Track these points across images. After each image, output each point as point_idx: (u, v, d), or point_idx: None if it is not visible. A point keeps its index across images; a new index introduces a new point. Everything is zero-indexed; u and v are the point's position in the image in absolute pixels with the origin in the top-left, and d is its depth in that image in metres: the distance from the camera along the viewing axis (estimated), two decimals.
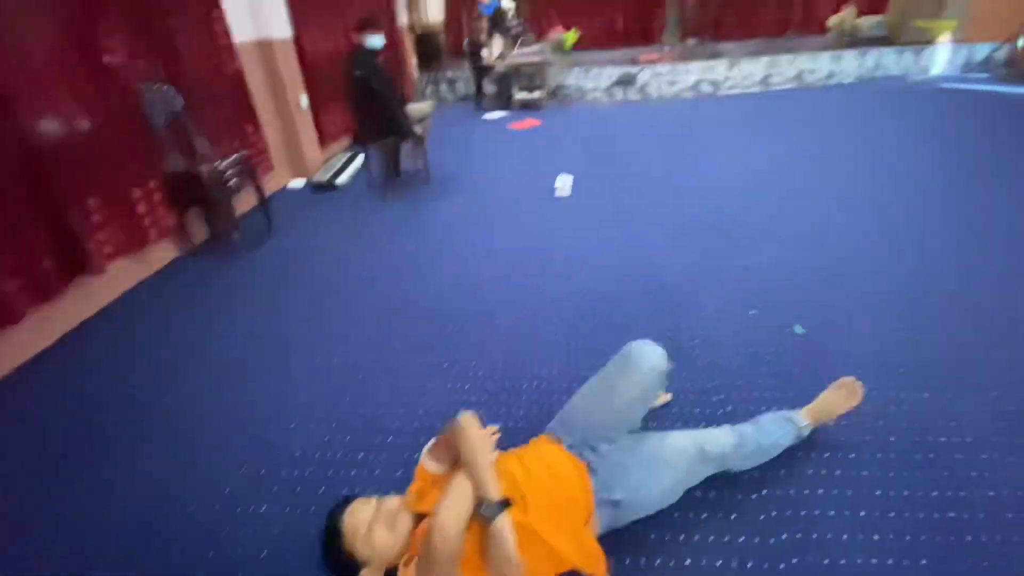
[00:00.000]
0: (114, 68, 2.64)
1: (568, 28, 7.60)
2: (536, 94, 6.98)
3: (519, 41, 8.67)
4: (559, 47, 7.47)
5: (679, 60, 7.28)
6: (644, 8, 10.09)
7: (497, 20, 8.33)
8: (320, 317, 2.42)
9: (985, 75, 6.96)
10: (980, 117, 5.05)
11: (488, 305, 2.38)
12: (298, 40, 4.46)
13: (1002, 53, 7.03)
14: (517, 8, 9.57)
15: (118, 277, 2.73)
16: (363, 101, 3.61)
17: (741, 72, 6.94)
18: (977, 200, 3.11)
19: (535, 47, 7.05)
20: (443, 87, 7.98)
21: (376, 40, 3.52)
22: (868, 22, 7.27)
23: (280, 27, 4.09)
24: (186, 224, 3.16)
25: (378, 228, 3.39)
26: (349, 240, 3.26)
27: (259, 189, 3.32)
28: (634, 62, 7.62)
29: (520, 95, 7.09)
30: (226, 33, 3.47)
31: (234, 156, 3.12)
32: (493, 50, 8.46)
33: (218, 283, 2.84)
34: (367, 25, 3.51)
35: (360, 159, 4.73)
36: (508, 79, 6.99)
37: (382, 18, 3.64)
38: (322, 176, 4.27)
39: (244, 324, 2.41)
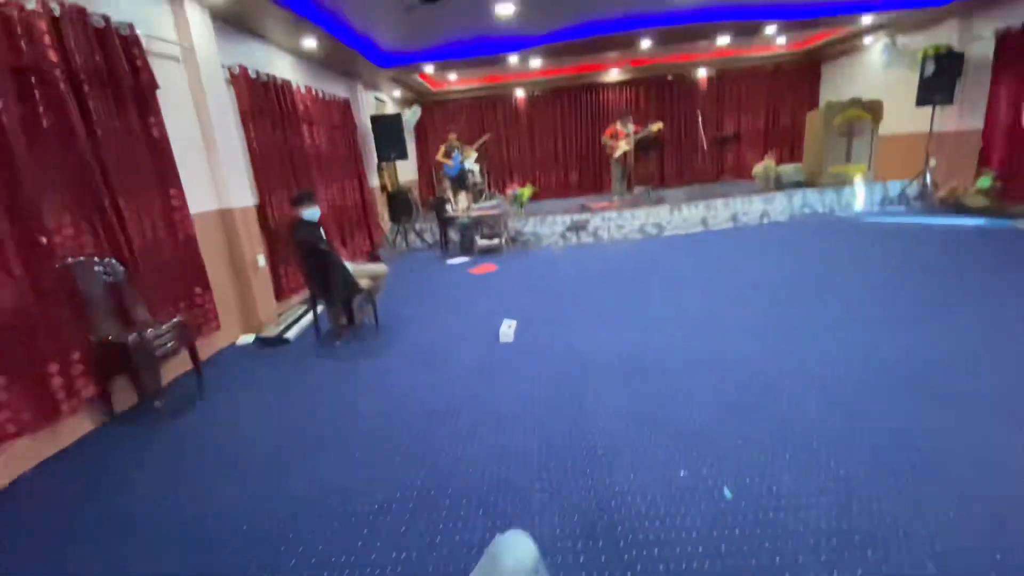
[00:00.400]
0: (51, 245, 2.74)
1: (524, 184, 8.38)
2: (496, 241, 7.43)
3: (482, 196, 9.47)
4: (517, 200, 8.15)
5: (626, 207, 7.95)
6: (593, 163, 11.34)
7: (462, 179, 9.24)
8: (228, 497, 2.21)
9: (902, 208, 7.71)
10: (903, 245, 5.45)
11: (404, 479, 2.22)
12: (261, 206, 4.80)
13: (913, 188, 7.89)
14: (481, 168, 10.67)
15: (19, 456, 2.52)
16: (309, 262, 3.78)
17: (682, 215, 7.56)
18: (919, 329, 3.20)
19: (494, 201, 7.67)
20: (412, 236, 8.46)
21: (312, 212, 3.79)
22: (788, 169, 8.19)
23: (241, 198, 4.40)
24: (109, 393, 3.04)
25: (313, 387, 3.29)
26: (280, 403, 3.14)
27: (193, 353, 3.28)
28: (585, 209, 8.31)
29: (482, 242, 7.53)
30: (183, 207, 3.70)
31: (169, 322, 3.12)
32: (458, 204, 9.22)
33: (131, 458, 2.63)
34: (301, 201, 3.79)
35: (312, 313, 4.78)
36: (470, 228, 7.48)
37: (315, 192, 4.01)
38: (272, 331, 4.27)
39: (151, 509, 2.18)
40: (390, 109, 9.90)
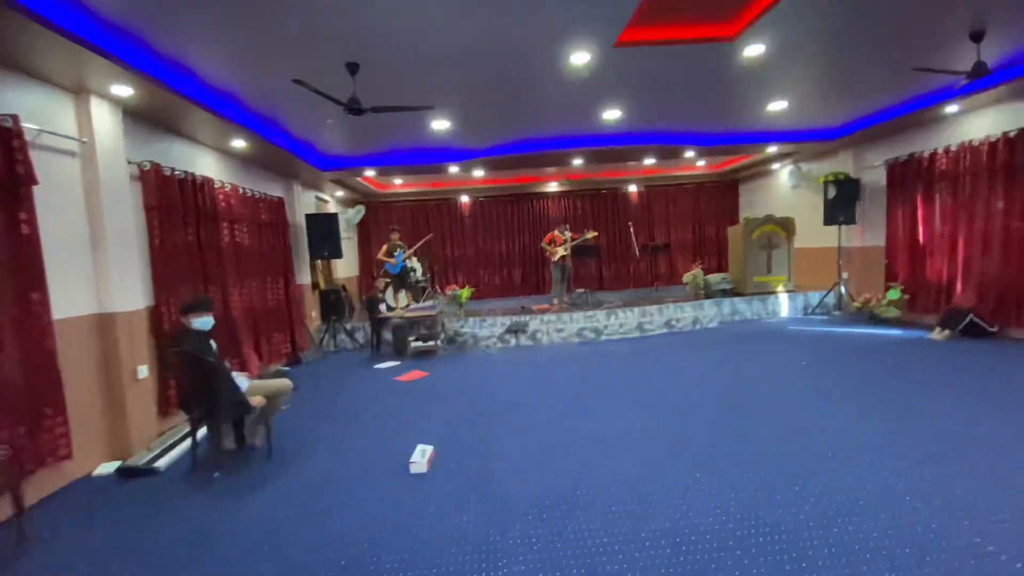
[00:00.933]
0: None
1: (463, 285, 8.30)
2: (431, 343, 7.10)
3: (424, 293, 9.30)
4: (456, 301, 7.98)
5: (565, 310, 7.94)
6: (535, 265, 11.56)
7: (403, 277, 9.06)
8: None
9: (823, 316, 8.09)
10: (828, 355, 5.54)
11: None
12: (156, 308, 4.32)
13: (831, 299, 8.36)
14: (424, 266, 10.61)
15: None
16: (192, 377, 3.30)
17: (619, 320, 7.58)
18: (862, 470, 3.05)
19: (430, 302, 7.44)
20: (343, 336, 7.99)
21: (203, 322, 3.39)
22: (716, 278, 8.56)
23: (129, 300, 3.94)
24: None
25: (166, 536, 2.67)
26: (115, 562, 2.49)
27: (15, 495, 2.63)
28: (525, 311, 8.23)
29: (416, 344, 7.18)
30: (44, 313, 3.20)
31: None
32: (398, 303, 8.95)
33: None
34: (193, 308, 3.38)
35: (196, 434, 4.16)
36: (404, 329, 7.14)
37: (210, 299, 3.52)
38: (140, 458, 3.61)
39: None
40: (332, 208, 9.86)
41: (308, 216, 7.43)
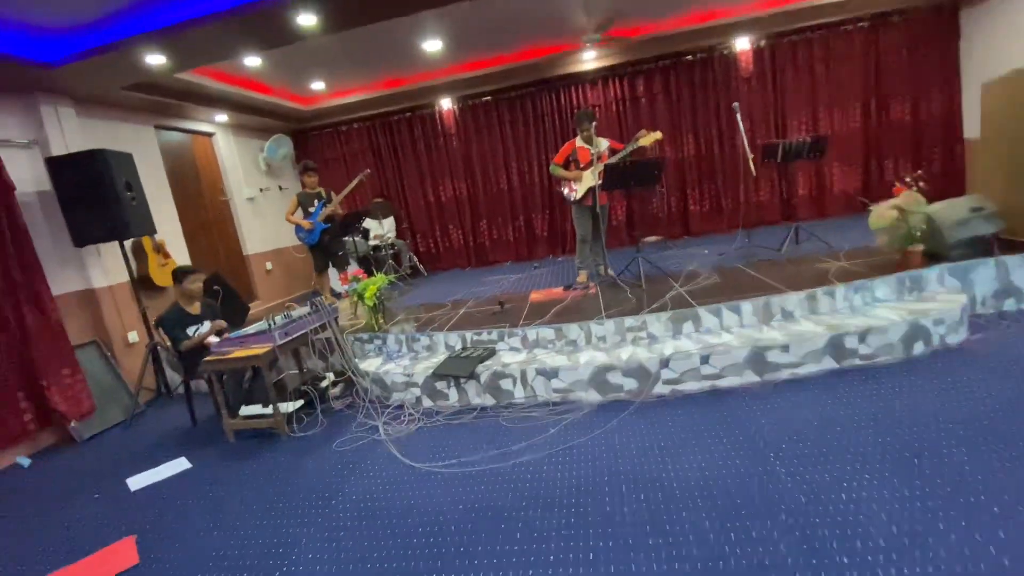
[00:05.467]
0: None
1: (374, 271, 4.32)
2: (270, 409, 3.31)
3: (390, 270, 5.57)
4: (360, 301, 4.04)
5: (590, 311, 3.67)
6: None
7: (327, 247, 5.38)
8: None
9: None
10: None
11: None
12: None
13: None
14: (377, 223, 6.80)
15: None
16: None
17: (697, 341, 3.12)
18: None
19: (262, 323, 3.43)
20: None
21: None
22: (956, 209, 3.50)
23: None
24: None
25: None
26: None
27: None
28: (503, 309, 4.09)
29: (247, 410, 3.46)
30: None
31: None
32: (326, 294, 5.37)
33: None
34: None
35: None
36: (232, 378, 3.45)
37: None
38: None
39: None
40: (225, 145, 6.18)
41: (50, 161, 3.76)
